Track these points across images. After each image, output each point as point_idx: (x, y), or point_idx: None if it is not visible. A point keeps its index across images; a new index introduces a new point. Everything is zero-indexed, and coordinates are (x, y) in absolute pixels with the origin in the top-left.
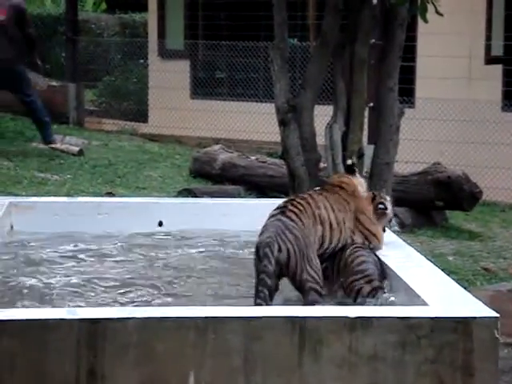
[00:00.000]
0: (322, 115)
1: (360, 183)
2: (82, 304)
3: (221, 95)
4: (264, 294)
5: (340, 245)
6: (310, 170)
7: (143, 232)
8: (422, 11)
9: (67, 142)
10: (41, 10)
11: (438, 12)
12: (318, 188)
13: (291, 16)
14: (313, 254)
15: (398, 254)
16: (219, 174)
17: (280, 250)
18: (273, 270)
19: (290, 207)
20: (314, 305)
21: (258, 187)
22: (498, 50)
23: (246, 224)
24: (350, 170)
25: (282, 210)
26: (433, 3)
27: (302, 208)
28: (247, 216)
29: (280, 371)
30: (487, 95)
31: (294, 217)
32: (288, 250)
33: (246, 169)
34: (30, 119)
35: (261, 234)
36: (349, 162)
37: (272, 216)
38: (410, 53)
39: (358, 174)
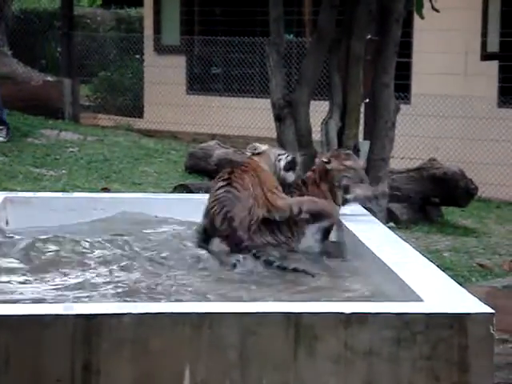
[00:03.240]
0: (318, 111)
1: (264, 160)
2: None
3: (217, 91)
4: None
5: (260, 217)
6: (305, 166)
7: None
8: (418, 7)
9: (63, 137)
10: (36, 4)
11: (434, 8)
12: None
13: (287, 11)
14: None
15: (394, 249)
16: (215, 170)
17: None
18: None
19: (234, 178)
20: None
21: None
22: (494, 46)
23: None
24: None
25: (227, 181)
26: None
27: (242, 181)
28: None
29: (275, 367)
30: (483, 91)
31: (240, 187)
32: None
33: None
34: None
35: (213, 205)
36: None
37: (220, 188)
38: (406, 49)
39: (267, 152)
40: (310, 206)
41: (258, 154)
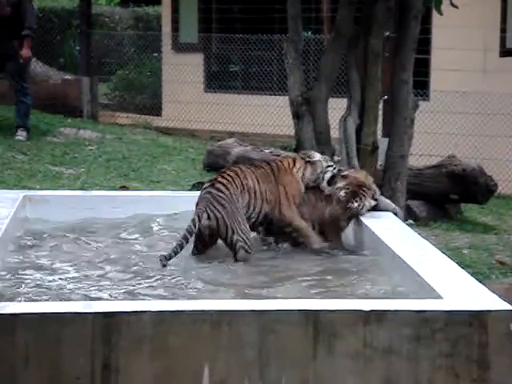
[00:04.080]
0: (336, 108)
1: (311, 168)
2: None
3: (235, 88)
4: (181, 242)
5: (263, 212)
6: None
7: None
8: (436, 3)
9: (81, 135)
10: (55, 3)
11: (452, 4)
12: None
13: (305, 9)
14: (241, 218)
15: (413, 247)
16: None
17: (209, 218)
18: (195, 230)
19: (220, 179)
20: (243, 261)
21: None
22: None
23: None
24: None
25: (212, 182)
26: None
27: (230, 179)
28: None
29: (294, 364)
30: (502, 88)
31: (222, 188)
32: (217, 217)
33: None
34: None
35: (196, 205)
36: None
37: (204, 189)
38: (424, 45)
39: (317, 163)
40: (301, 233)
41: (309, 161)
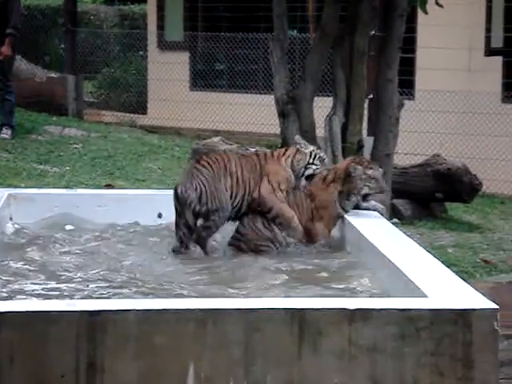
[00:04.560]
0: (322, 107)
1: (298, 158)
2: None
3: (220, 87)
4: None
5: (246, 198)
6: None
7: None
8: (421, 2)
9: (66, 133)
10: (40, 1)
11: (437, 3)
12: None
13: (291, 7)
14: (223, 196)
15: (398, 245)
16: None
17: (195, 188)
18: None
19: (205, 158)
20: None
21: None
22: (497, 41)
23: None
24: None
25: (197, 159)
26: None
27: (214, 160)
28: None
29: (280, 363)
30: (487, 87)
31: (206, 165)
32: (200, 188)
33: None
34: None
35: (180, 177)
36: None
37: (190, 165)
38: (409, 44)
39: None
40: (283, 213)
41: (299, 151)
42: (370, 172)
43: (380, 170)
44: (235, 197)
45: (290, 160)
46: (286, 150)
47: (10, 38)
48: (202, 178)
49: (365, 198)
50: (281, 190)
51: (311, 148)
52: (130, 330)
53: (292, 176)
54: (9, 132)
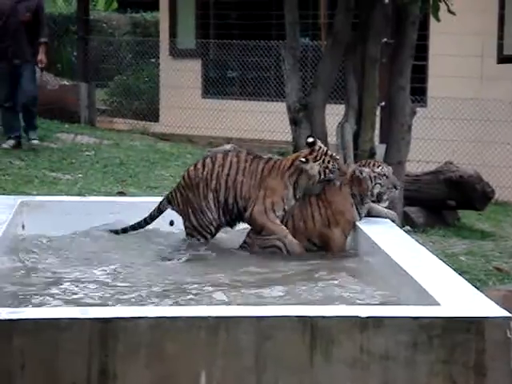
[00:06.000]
0: (334, 114)
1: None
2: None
3: (232, 94)
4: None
5: (240, 201)
6: None
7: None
8: (434, 10)
9: (79, 141)
10: (52, 9)
11: (450, 11)
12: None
13: (303, 15)
14: (201, 205)
15: (410, 253)
16: None
17: (169, 202)
18: (156, 214)
19: (197, 164)
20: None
21: None
22: (510, 49)
23: None
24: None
25: (189, 166)
26: (445, 2)
27: (205, 165)
28: None
29: (291, 371)
30: (499, 94)
31: (191, 173)
32: (177, 199)
33: None
34: (39, 118)
35: None
36: (309, 139)
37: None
38: (422, 52)
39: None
40: (274, 233)
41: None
42: (378, 170)
43: (389, 167)
44: (224, 196)
45: (294, 177)
46: (293, 163)
47: (44, 47)
48: (178, 193)
49: (379, 198)
50: (273, 210)
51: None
52: (142, 338)
53: (291, 193)
54: (36, 135)
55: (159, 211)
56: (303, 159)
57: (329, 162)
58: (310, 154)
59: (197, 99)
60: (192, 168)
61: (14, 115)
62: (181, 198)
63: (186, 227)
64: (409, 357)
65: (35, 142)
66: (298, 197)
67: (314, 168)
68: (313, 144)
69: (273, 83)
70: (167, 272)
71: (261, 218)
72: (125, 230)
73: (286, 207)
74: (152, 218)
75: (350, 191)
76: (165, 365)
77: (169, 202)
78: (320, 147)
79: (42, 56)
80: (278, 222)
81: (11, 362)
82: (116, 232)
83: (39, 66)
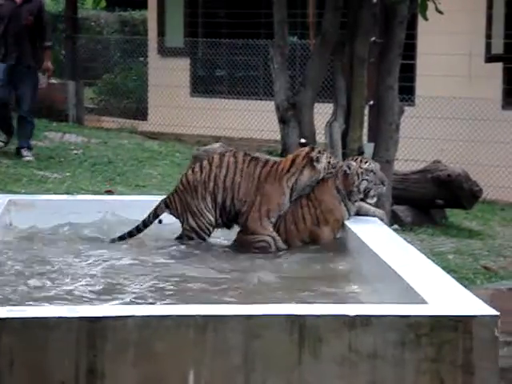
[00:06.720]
0: (322, 113)
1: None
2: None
3: (221, 93)
4: (136, 227)
5: (238, 203)
6: None
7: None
8: (422, 9)
9: (67, 139)
10: None
11: (438, 10)
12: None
13: (291, 14)
14: (199, 207)
15: (398, 252)
16: None
17: (167, 206)
18: (151, 219)
19: (194, 167)
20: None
21: None
22: (498, 48)
23: None
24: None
25: (187, 170)
26: (433, 1)
27: (202, 167)
28: None
29: (280, 369)
30: (487, 93)
31: (189, 177)
32: (175, 204)
33: None
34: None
35: None
36: (302, 140)
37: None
38: (410, 51)
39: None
40: (259, 241)
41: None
42: (365, 166)
43: (376, 163)
44: (222, 198)
45: (293, 180)
46: (293, 164)
47: (48, 52)
48: (176, 198)
49: (366, 194)
50: (268, 217)
51: (324, 162)
52: (130, 337)
53: (287, 198)
54: (30, 153)
55: (155, 216)
56: (315, 155)
57: (330, 157)
58: (313, 150)
59: (185, 98)
60: (190, 172)
61: (5, 120)
62: (179, 202)
63: (184, 229)
64: (397, 355)
65: (28, 158)
66: (293, 199)
67: (323, 162)
68: (305, 145)
69: (261, 82)
70: (156, 269)
71: (254, 225)
72: (122, 238)
73: (281, 212)
74: (148, 222)
75: (335, 185)
76: (153, 364)
77: (167, 206)
78: (316, 146)
79: (48, 63)
80: (270, 228)
81: (0, 361)
82: (113, 241)
83: (46, 74)
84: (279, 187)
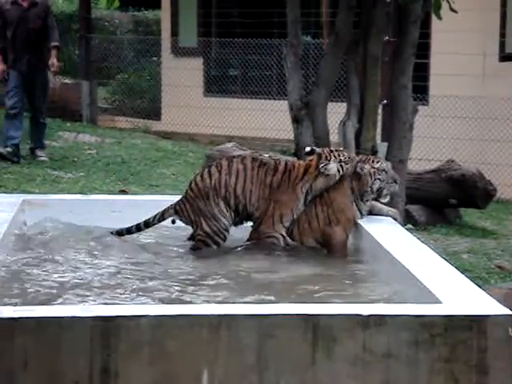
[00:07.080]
0: (336, 112)
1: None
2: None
3: (234, 93)
4: (138, 225)
5: (250, 208)
6: None
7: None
8: (435, 8)
9: (80, 139)
10: (54, 7)
11: (452, 9)
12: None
13: (304, 13)
14: (213, 212)
15: (412, 251)
16: None
17: (177, 212)
18: (154, 222)
19: (202, 173)
20: (195, 250)
21: None
22: None
23: None
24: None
25: (196, 175)
26: (447, 0)
27: (212, 173)
28: None
29: (293, 369)
30: (501, 92)
31: (199, 183)
32: (186, 211)
33: None
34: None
35: None
36: (307, 149)
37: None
38: (423, 50)
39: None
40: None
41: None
42: (377, 165)
43: (388, 162)
44: (234, 203)
45: (307, 186)
46: (306, 172)
47: (56, 51)
48: (186, 203)
49: (380, 193)
50: (281, 222)
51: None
52: (144, 336)
53: (301, 203)
54: (43, 153)
55: (161, 219)
56: (323, 167)
57: (339, 155)
58: (319, 157)
59: (199, 97)
60: (199, 178)
61: (15, 125)
62: (191, 209)
63: (198, 235)
64: (411, 355)
65: (43, 158)
66: (308, 202)
67: (333, 167)
68: (312, 152)
69: (275, 81)
70: (170, 269)
71: (267, 230)
72: (129, 231)
73: (295, 216)
74: (151, 223)
75: (350, 186)
76: (167, 363)
77: (176, 212)
78: (321, 149)
79: (53, 60)
80: (283, 232)
81: (14, 361)
82: (119, 233)
83: (51, 69)
84: (293, 194)
